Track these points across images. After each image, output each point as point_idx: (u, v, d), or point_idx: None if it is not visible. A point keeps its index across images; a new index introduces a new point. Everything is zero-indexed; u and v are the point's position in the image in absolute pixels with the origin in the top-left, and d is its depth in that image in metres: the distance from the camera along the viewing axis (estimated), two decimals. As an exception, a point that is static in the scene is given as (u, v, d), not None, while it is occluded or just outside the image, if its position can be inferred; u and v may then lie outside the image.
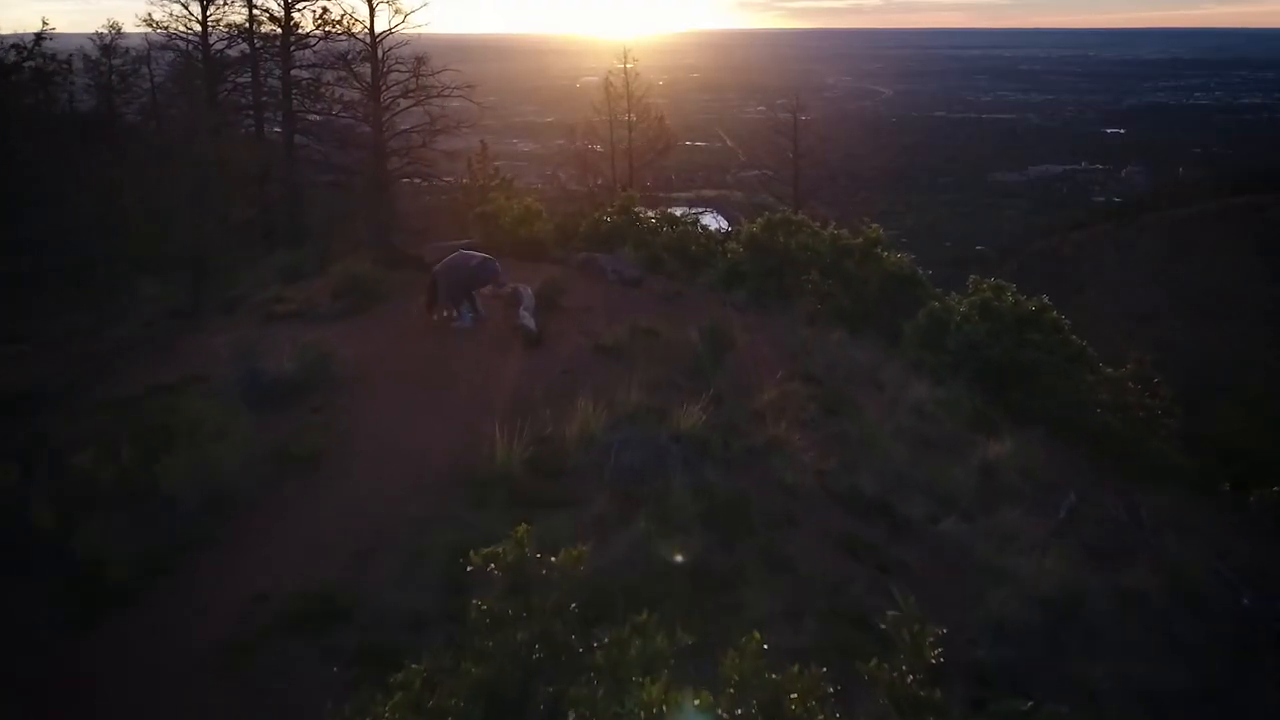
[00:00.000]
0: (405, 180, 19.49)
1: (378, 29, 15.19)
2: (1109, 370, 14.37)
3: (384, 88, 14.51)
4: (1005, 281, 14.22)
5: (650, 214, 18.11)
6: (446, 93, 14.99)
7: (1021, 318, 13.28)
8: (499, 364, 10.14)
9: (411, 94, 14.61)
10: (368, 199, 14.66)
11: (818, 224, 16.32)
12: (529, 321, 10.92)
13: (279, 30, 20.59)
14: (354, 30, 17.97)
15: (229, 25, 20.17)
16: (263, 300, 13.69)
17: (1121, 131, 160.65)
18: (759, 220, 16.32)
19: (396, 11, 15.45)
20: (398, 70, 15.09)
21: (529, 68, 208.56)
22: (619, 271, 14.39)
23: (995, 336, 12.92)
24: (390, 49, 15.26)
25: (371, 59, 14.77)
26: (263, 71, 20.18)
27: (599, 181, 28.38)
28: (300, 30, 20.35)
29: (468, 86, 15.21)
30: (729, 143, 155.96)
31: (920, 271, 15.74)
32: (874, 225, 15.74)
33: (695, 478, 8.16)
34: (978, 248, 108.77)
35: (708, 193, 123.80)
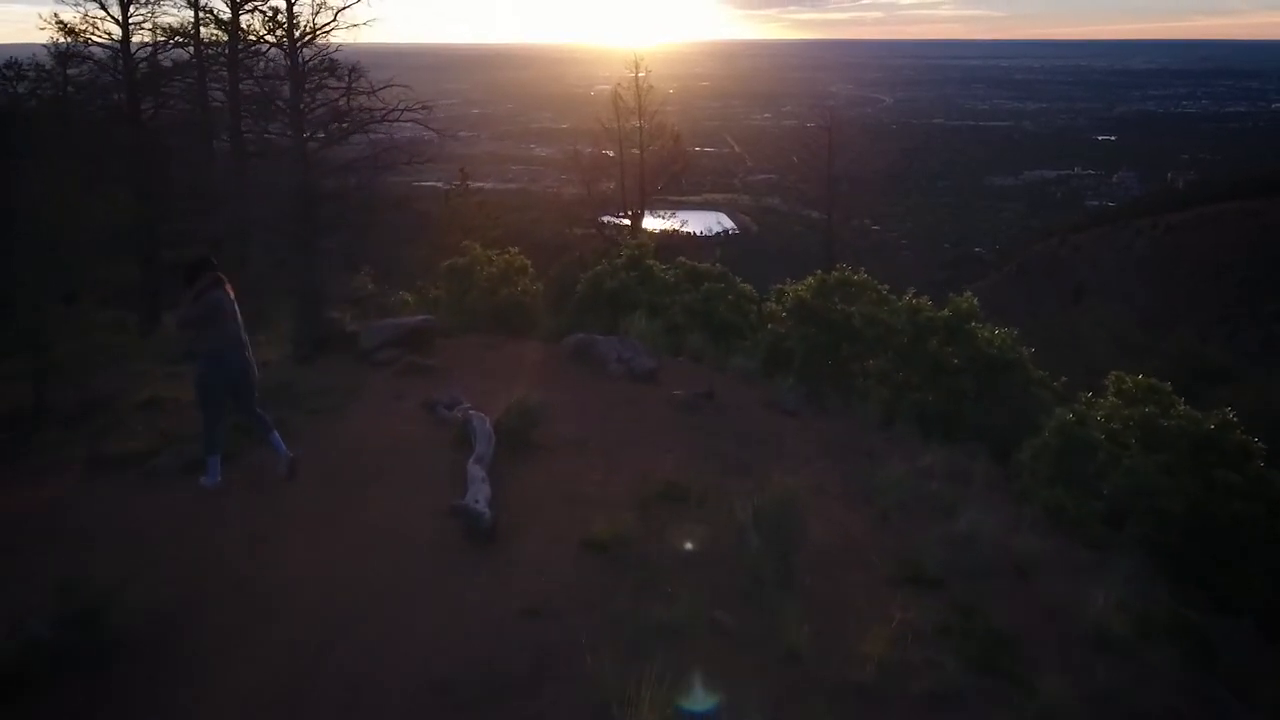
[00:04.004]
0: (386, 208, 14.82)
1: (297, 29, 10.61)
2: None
3: (308, 110, 10.00)
4: (1158, 382, 9.54)
5: (666, 263, 13.44)
6: (393, 116, 10.46)
7: (1198, 441, 8.60)
8: (417, 593, 5.54)
9: (346, 118, 10.11)
10: (291, 258, 10.13)
11: (884, 286, 11.63)
12: (479, 496, 6.27)
13: (224, 36, 15.93)
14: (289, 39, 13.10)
15: (160, 28, 15.63)
16: (129, 406, 9.15)
17: (1113, 138, 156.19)
18: (809, 280, 11.65)
19: (324, 6, 10.79)
20: (329, 88, 10.56)
21: (545, 75, 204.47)
22: (626, 361, 9.75)
23: (1170, 475, 8.25)
24: (320, 53, 10.69)
25: (291, 71, 10.25)
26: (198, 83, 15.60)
27: (610, 185, 24.24)
28: (250, 36, 15.67)
29: (421, 107, 10.55)
30: (736, 148, 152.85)
31: (1024, 350, 11.03)
32: (966, 294, 11.04)
33: None
34: (975, 249, 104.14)
35: (716, 196, 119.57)
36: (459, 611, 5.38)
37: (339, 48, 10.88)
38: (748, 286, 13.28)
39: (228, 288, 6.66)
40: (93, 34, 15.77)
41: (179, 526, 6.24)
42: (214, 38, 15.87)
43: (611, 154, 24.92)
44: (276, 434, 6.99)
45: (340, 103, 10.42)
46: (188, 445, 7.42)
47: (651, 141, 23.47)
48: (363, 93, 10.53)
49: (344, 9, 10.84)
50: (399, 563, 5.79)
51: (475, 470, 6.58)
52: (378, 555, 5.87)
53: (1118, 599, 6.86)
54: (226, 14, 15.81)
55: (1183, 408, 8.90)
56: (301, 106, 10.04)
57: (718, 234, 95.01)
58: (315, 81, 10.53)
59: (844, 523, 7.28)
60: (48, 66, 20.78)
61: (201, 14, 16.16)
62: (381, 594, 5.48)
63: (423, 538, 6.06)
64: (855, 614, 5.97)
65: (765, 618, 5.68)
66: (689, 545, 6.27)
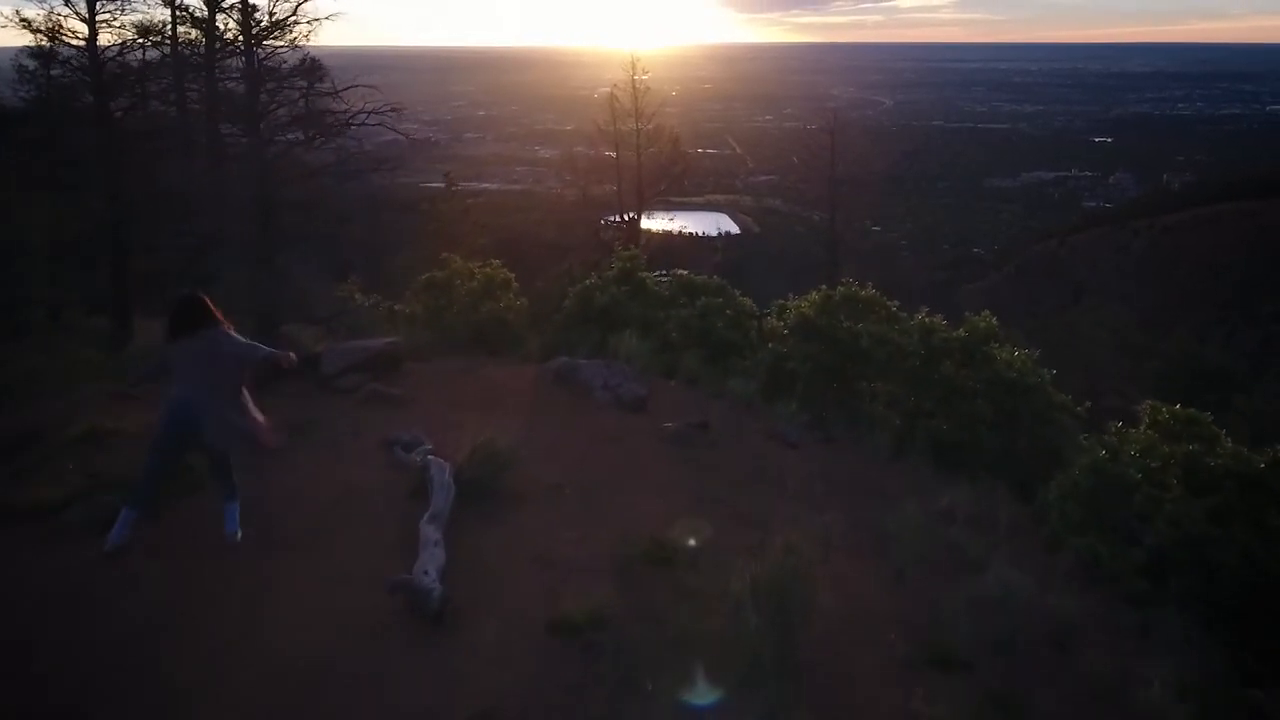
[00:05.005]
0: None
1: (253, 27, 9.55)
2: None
3: (266, 111, 9.02)
4: (1198, 412, 8.52)
5: (662, 276, 12.42)
6: (357, 120, 9.45)
7: (1246, 481, 7.57)
8: (346, 694, 4.53)
9: (308, 121, 9.09)
10: (251, 270, 9.13)
11: (894, 303, 10.60)
12: (430, 565, 5.26)
13: (200, 35, 14.88)
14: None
15: (130, 25, 14.56)
16: (66, 439, 8.14)
17: (1109, 140, 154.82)
18: (812, 295, 10.63)
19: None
20: (291, 87, 9.53)
21: (549, 78, 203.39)
22: (613, 387, 8.74)
23: (1219, 521, 7.23)
24: (275, 52, 9.69)
25: (247, 70, 9.26)
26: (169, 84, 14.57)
27: (612, 188, 23.38)
28: (227, 36, 14.63)
29: (390, 110, 9.55)
30: (738, 150, 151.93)
31: (1047, 372, 10.01)
32: (984, 313, 10.01)
33: None
34: (975, 250, 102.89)
35: (718, 197, 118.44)
36: (396, 717, 4.38)
37: (300, 47, 9.90)
38: (747, 301, 12.24)
39: (205, 331, 5.60)
40: (58, 32, 14.75)
41: (70, 606, 5.21)
42: (187, 37, 14.82)
43: (614, 155, 24.05)
44: (236, 508, 5.95)
45: (300, 103, 9.42)
46: (114, 494, 6.39)
47: (650, 144, 22.53)
48: (326, 94, 9.52)
49: (303, 2, 9.83)
50: (328, 653, 4.78)
51: (428, 531, 5.57)
52: (303, 643, 4.85)
53: (1170, 675, 5.84)
54: (203, 11, 14.79)
55: (1229, 444, 7.87)
56: (259, 108, 9.07)
57: (719, 235, 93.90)
58: (276, 83, 9.52)
59: (855, 584, 6.25)
60: (31, 68, 19.75)
61: (178, 12, 15.14)
62: (302, 696, 4.46)
63: (360, 619, 5.05)
64: (872, 709, 4.97)
65: (760, 705, 4.67)
66: (676, 623, 5.25)
